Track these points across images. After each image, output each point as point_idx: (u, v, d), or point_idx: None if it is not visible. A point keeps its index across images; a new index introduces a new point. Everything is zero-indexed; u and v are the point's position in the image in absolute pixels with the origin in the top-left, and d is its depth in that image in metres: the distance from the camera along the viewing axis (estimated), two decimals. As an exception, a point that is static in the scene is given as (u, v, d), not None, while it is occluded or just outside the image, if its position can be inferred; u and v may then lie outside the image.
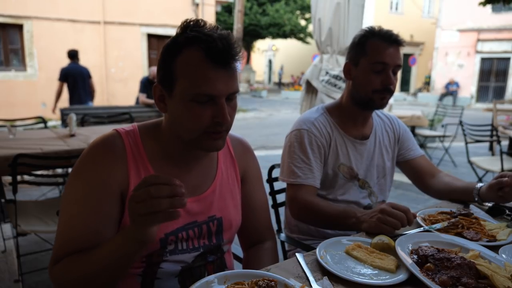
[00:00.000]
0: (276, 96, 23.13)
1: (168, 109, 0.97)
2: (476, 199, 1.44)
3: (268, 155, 6.74)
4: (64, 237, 0.93)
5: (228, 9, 20.41)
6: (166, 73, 0.93)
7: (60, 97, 6.08)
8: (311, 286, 0.89)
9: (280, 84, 29.88)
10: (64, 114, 5.32)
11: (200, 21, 0.93)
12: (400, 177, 2.01)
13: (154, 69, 6.45)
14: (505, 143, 4.76)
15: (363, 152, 1.59)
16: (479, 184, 1.45)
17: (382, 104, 1.50)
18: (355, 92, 1.53)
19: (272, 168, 1.83)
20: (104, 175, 0.94)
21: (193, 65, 0.89)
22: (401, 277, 0.93)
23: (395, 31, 1.51)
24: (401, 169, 1.75)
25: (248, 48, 26.04)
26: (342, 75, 3.77)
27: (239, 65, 0.96)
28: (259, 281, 0.85)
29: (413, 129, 6.26)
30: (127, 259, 0.87)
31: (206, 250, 1.09)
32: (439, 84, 20.93)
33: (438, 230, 1.20)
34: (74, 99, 6.06)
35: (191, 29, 0.91)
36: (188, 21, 0.94)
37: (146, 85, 6.32)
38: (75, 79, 6.00)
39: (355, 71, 1.52)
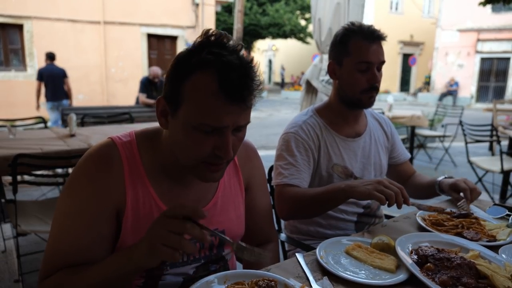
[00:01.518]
0: (276, 96, 23.13)
1: (169, 128, 0.90)
2: (437, 191, 1.52)
3: (268, 155, 6.71)
4: (54, 251, 0.90)
5: (228, 9, 20.40)
6: (173, 92, 0.85)
7: (40, 95, 6.89)
8: (311, 286, 0.89)
9: (282, 84, 29.84)
10: (64, 114, 5.32)
11: (223, 36, 0.84)
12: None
13: (154, 68, 6.45)
14: (505, 143, 4.75)
15: (356, 150, 1.57)
16: (440, 178, 1.52)
17: (370, 103, 1.49)
18: (342, 92, 1.51)
19: (272, 168, 1.82)
20: (98, 191, 0.90)
21: (203, 94, 0.80)
22: (401, 277, 0.93)
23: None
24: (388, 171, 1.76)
25: (248, 48, 26.02)
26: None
27: (258, 98, 0.86)
28: (259, 281, 0.85)
29: (413, 129, 6.27)
30: (125, 279, 0.85)
31: (208, 261, 1.06)
32: (439, 84, 20.93)
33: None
34: (48, 96, 6.87)
35: (210, 50, 0.81)
36: (209, 34, 0.84)
37: (146, 85, 6.33)
38: (49, 78, 6.82)
39: (339, 71, 1.50)
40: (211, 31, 0.84)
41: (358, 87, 1.45)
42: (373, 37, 1.43)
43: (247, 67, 0.82)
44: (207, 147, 0.85)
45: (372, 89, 1.45)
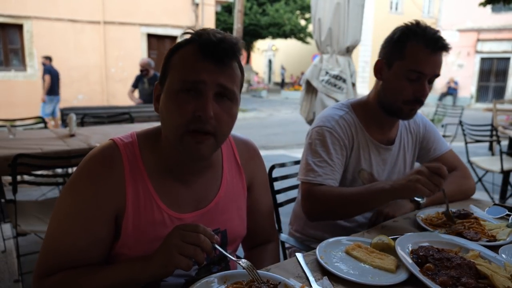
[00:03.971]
0: (276, 96, 23.13)
1: (160, 107, 0.93)
2: None
3: (268, 155, 6.74)
4: (51, 250, 0.91)
5: (228, 9, 20.40)
6: (163, 71, 0.93)
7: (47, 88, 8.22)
8: (311, 286, 0.89)
9: (282, 84, 29.81)
10: (64, 114, 5.32)
11: (215, 29, 0.91)
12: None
13: (143, 58, 6.36)
14: (505, 143, 4.74)
15: (386, 158, 1.49)
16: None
17: (410, 115, 1.38)
18: (383, 96, 1.39)
19: (272, 168, 1.82)
20: (98, 193, 0.90)
21: (185, 58, 0.88)
22: (401, 277, 0.93)
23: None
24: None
25: (248, 48, 26.02)
26: (342, 75, 3.79)
27: (237, 66, 0.92)
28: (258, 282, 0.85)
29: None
30: (135, 286, 0.88)
31: (210, 262, 1.06)
32: (439, 84, 20.92)
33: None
34: (48, 91, 8.23)
35: (198, 32, 0.90)
36: (204, 28, 0.92)
37: (137, 79, 6.27)
38: (53, 76, 8.24)
39: (387, 73, 1.36)
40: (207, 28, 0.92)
41: (401, 96, 1.32)
42: (436, 46, 1.27)
43: (227, 36, 0.88)
44: (188, 109, 0.86)
45: (416, 101, 1.32)
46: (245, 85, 23.55)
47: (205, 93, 0.86)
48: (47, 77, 8.14)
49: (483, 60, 19.81)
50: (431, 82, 1.33)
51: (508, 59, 19.05)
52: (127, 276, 0.87)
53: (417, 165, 1.66)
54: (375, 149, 1.47)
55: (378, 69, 1.39)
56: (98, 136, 3.04)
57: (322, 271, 0.96)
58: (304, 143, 1.50)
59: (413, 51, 1.28)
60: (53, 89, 8.26)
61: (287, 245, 1.76)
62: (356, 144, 1.43)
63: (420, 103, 1.34)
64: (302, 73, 19.36)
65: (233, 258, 0.90)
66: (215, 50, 0.86)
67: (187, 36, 0.92)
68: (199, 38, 0.88)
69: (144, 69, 6.05)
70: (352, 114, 1.46)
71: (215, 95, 0.88)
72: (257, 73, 28.56)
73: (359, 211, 1.36)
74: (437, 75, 1.31)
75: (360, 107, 1.48)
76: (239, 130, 0.95)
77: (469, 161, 4.36)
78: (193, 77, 0.86)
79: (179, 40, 0.95)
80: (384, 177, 1.50)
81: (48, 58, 8.35)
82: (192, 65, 0.87)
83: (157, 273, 0.84)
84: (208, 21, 12.76)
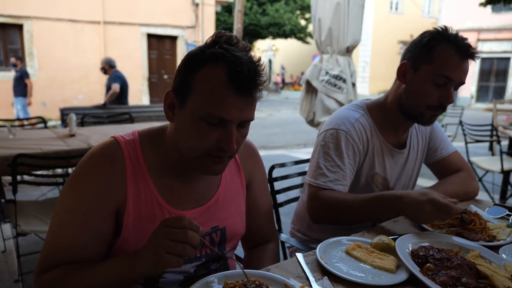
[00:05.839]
0: (276, 96, 23.16)
1: (176, 120, 0.92)
2: None
3: (268, 155, 6.74)
4: (53, 246, 0.91)
5: (228, 9, 20.39)
6: (183, 84, 0.87)
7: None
8: (311, 286, 0.89)
9: (283, 84, 29.82)
10: (64, 114, 5.32)
11: (233, 37, 0.88)
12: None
13: (104, 58, 6.10)
14: (505, 143, 4.74)
15: (398, 161, 1.48)
16: None
17: (431, 121, 1.36)
18: (405, 99, 1.36)
19: (272, 168, 1.82)
20: (100, 189, 0.91)
21: (213, 84, 0.83)
22: (401, 277, 0.93)
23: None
24: (430, 168, 1.65)
25: (248, 48, 25.88)
26: (342, 75, 3.79)
27: (263, 94, 0.90)
28: (249, 282, 0.84)
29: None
30: (126, 285, 0.87)
31: (209, 259, 1.06)
32: (439, 84, 20.93)
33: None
34: (25, 93, 7.71)
35: (221, 45, 0.86)
36: (221, 34, 0.89)
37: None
38: (28, 78, 7.81)
39: (412, 76, 1.33)
40: (222, 32, 0.90)
41: (426, 101, 1.30)
42: (467, 53, 1.27)
43: (255, 63, 0.86)
44: (212, 139, 0.87)
45: (439, 107, 1.31)
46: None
47: (230, 127, 0.86)
48: (31, 83, 7.65)
49: (483, 60, 19.80)
50: (455, 89, 1.31)
51: (508, 59, 19.06)
52: (116, 273, 0.86)
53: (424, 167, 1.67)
54: (388, 153, 1.45)
55: (402, 72, 1.36)
56: (98, 136, 3.04)
57: (322, 271, 0.96)
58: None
59: (443, 55, 1.27)
60: (24, 92, 7.69)
61: (287, 245, 1.76)
62: (371, 148, 1.41)
63: (443, 109, 1.33)
64: (302, 73, 19.37)
65: (229, 255, 0.89)
66: (247, 87, 0.84)
67: (208, 42, 0.87)
68: (230, 66, 0.82)
69: (102, 67, 5.91)
70: (367, 117, 1.44)
71: (237, 125, 0.88)
72: (278, 74, 28.62)
73: (361, 220, 1.36)
74: (463, 82, 1.30)
75: (375, 109, 1.46)
76: (239, 130, 0.95)
77: (469, 161, 4.36)
78: (221, 113, 0.84)
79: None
80: (394, 179, 1.49)
81: (19, 59, 7.81)
82: (222, 99, 0.83)
83: (146, 272, 0.82)
84: (208, 21, 12.77)
